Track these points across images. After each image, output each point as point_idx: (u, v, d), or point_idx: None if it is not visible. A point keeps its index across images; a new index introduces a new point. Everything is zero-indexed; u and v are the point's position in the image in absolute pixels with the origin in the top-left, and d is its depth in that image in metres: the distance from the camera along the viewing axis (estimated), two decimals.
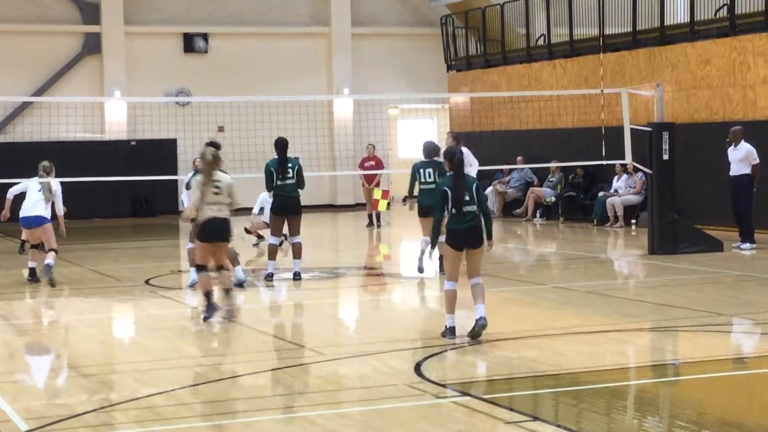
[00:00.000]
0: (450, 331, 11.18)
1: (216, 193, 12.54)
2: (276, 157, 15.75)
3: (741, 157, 18.60)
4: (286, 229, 16.22)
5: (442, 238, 11.43)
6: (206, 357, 10.79)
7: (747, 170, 18.56)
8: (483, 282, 11.27)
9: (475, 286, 11.21)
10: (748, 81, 21.32)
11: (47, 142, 27.54)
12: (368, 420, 8.30)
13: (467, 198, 11.04)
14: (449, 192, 11.06)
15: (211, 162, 12.70)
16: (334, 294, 15.62)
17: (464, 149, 18.01)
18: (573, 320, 12.38)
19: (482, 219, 11.14)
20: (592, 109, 23.70)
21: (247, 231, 20.32)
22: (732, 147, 18.73)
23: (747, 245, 18.51)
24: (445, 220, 11.21)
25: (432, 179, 15.90)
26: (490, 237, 11.28)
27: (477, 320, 11.05)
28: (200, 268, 12.76)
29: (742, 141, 18.67)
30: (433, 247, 11.93)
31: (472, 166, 17.98)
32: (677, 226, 18.31)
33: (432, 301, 15.00)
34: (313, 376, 10.00)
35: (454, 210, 11.04)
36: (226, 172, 13.13)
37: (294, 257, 15.99)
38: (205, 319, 12.47)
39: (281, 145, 15.77)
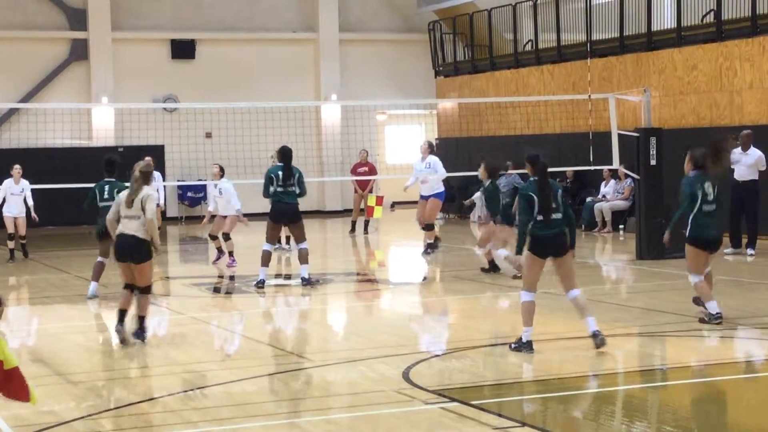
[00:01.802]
0: (527, 346, 10.58)
1: (129, 206, 11.65)
2: (278, 164, 15.87)
3: (751, 163, 18.42)
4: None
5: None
6: (194, 364, 10.77)
7: (755, 176, 18.42)
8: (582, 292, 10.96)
9: (575, 300, 10.80)
10: (734, 86, 21.39)
11: (34, 148, 27.50)
12: (356, 426, 8.29)
13: (554, 205, 10.62)
14: (535, 197, 10.59)
15: (138, 178, 11.70)
16: (322, 300, 15.60)
17: (434, 158, 18.64)
18: (561, 326, 12.38)
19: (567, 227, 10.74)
20: (579, 114, 23.75)
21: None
22: (740, 151, 18.51)
23: (750, 250, 18.41)
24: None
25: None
26: (572, 246, 10.83)
27: (594, 335, 10.59)
28: (126, 285, 11.89)
29: (752, 146, 18.48)
30: (518, 253, 11.17)
31: (438, 173, 18.46)
32: (664, 231, 18.31)
33: (420, 307, 15.00)
34: (301, 382, 9.99)
35: (541, 216, 10.57)
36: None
37: (301, 263, 15.99)
38: (118, 335, 11.81)
39: (287, 153, 15.88)
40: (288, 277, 17.51)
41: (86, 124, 29.08)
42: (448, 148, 29.35)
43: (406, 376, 9.75)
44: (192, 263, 20.23)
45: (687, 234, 12.07)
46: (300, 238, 15.88)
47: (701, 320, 12.05)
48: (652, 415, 8.73)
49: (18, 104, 27.58)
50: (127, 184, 12.02)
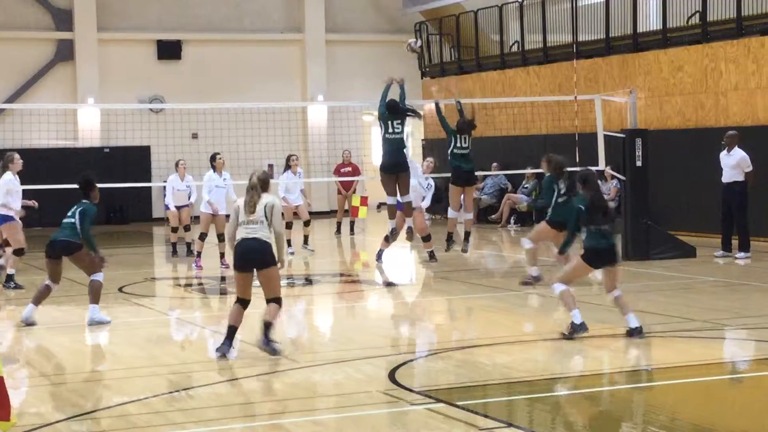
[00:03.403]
0: (581, 328, 11.35)
1: (251, 212, 10.83)
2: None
3: (734, 164, 18.12)
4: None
5: None
6: (180, 365, 10.75)
7: (740, 177, 18.10)
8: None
9: (618, 298, 11.51)
10: (720, 87, 21.45)
11: (20, 149, 27.33)
12: (343, 427, 8.29)
13: (604, 216, 11.45)
14: (584, 209, 11.46)
15: (254, 185, 10.91)
16: (308, 301, 15.60)
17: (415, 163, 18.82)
18: (547, 326, 12.41)
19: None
20: (565, 115, 23.78)
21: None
22: (725, 152, 18.35)
23: (742, 254, 18.13)
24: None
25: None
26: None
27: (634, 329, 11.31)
28: (238, 299, 11.07)
29: (736, 147, 18.21)
30: (560, 252, 12.36)
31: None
32: (650, 232, 18.36)
33: (406, 308, 15.00)
34: (287, 383, 9.98)
35: (594, 227, 11.42)
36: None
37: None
38: (218, 351, 10.91)
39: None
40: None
41: (72, 125, 29.02)
42: (435, 150, 29.35)
43: (392, 377, 9.75)
44: (178, 264, 20.15)
45: (547, 218, 15.27)
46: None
47: (525, 283, 15.37)
48: (638, 415, 8.75)
49: (3, 105, 27.45)
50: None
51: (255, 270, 10.83)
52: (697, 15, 22.07)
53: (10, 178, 16.51)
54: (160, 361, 10.93)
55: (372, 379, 9.81)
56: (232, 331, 10.91)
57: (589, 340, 11.45)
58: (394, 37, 32.65)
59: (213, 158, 18.81)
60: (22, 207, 16.73)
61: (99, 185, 13.53)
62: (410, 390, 9.26)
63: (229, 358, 10.81)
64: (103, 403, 9.18)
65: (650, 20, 24.04)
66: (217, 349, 10.89)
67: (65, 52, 29.90)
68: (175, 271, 19.18)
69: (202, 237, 18.80)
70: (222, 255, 18.62)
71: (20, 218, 16.67)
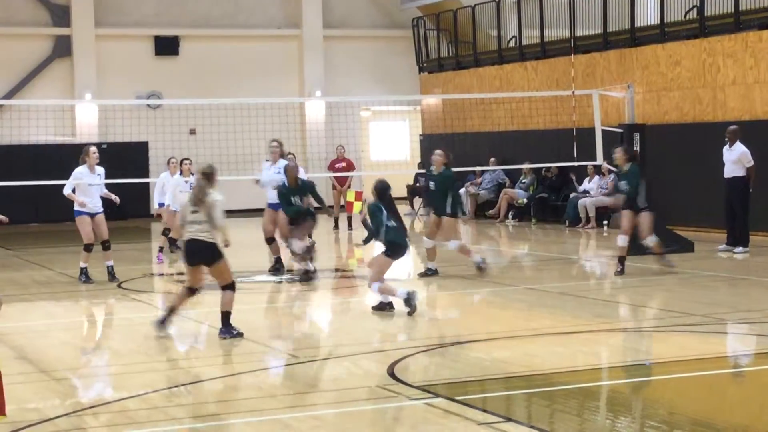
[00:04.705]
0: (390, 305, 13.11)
1: (194, 212, 11.54)
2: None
3: (735, 159, 18.03)
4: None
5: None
6: (178, 360, 10.76)
7: (741, 172, 18.00)
8: None
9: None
10: (717, 82, 21.45)
11: (18, 145, 27.39)
12: (341, 422, 8.30)
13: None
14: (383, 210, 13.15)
15: (200, 180, 11.66)
16: (306, 296, 15.59)
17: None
18: (545, 321, 12.42)
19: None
20: (563, 110, 23.79)
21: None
22: (727, 147, 18.25)
23: (740, 249, 18.11)
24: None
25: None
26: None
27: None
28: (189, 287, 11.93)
29: (737, 142, 18.12)
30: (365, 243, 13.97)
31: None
32: None
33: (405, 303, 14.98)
34: (285, 378, 9.98)
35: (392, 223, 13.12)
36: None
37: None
38: (159, 325, 11.84)
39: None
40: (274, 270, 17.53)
41: (70, 121, 29.01)
42: (432, 144, 29.34)
43: (390, 372, 9.75)
44: (177, 259, 20.14)
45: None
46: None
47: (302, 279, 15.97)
48: (636, 410, 8.76)
49: (1, 101, 27.46)
50: None
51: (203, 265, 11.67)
52: (695, 9, 22.07)
53: (81, 172, 16.22)
54: (158, 356, 10.93)
55: (371, 374, 9.82)
56: (171, 311, 11.84)
57: (586, 334, 11.47)
58: (391, 32, 32.65)
59: (180, 163, 19.41)
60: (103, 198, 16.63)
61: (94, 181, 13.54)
62: (409, 385, 9.27)
63: (165, 335, 11.71)
64: (102, 399, 9.18)
65: (648, 15, 24.03)
66: (157, 326, 11.79)
67: (63, 48, 29.86)
68: (173, 267, 19.17)
69: (165, 233, 19.60)
70: (161, 249, 19.47)
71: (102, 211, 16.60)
